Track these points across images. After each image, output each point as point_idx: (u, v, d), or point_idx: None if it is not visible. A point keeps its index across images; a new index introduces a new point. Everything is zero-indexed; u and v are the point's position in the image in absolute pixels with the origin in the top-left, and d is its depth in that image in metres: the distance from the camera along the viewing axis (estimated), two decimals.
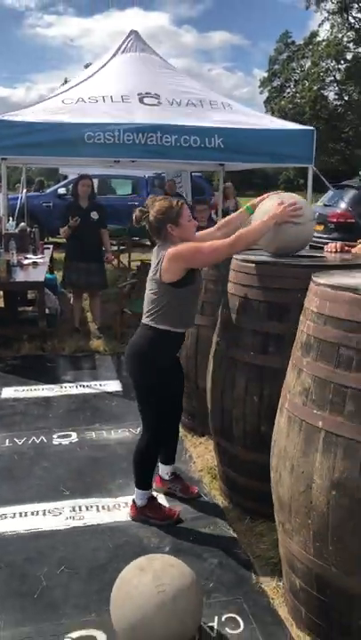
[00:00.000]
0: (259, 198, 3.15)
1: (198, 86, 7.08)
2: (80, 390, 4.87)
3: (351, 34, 38.49)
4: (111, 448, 3.84)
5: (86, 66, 7.86)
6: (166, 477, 3.30)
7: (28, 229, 7.81)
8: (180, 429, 4.03)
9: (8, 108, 6.36)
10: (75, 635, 2.27)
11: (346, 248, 3.51)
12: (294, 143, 6.04)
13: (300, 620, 2.28)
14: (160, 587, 2.12)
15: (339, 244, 3.44)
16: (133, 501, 3.05)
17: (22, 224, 7.99)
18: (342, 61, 38.93)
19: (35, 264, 6.53)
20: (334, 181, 11.78)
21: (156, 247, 2.92)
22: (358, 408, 1.94)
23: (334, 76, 39.54)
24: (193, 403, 3.91)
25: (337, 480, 1.97)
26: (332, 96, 40.34)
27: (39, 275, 6.04)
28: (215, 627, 2.32)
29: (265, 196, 3.14)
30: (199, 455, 3.74)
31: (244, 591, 2.53)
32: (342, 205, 10.20)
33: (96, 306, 6.63)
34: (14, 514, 3.08)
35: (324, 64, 39.28)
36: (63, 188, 13.38)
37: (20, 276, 5.98)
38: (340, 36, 38.60)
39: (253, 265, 2.89)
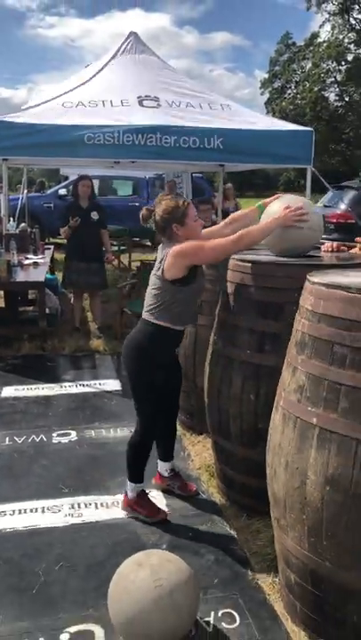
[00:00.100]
0: (270, 198, 3.17)
1: (198, 87, 7.11)
2: (80, 389, 4.90)
3: (352, 35, 38.52)
4: (110, 446, 3.87)
5: (87, 66, 7.87)
6: (165, 474, 3.33)
7: (29, 230, 7.85)
8: (179, 428, 4.07)
9: (10, 109, 6.40)
10: (73, 629, 2.30)
11: (342, 248, 3.54)
12: (293, 144, 6.07)
13: (296, 615, 2.31)
14: (157, 581, 2.15)
15: (335, 243, 3.47)
16: (125, 492, 3.09)
17: (23, 224, 8.03)
18: (343, 62, 38.95)
19: (35, 264, 6.56)
20: (335, 182, 11.81)
21: (160, 245, 2.96)
22: (352, 405, 1.96)
23: (335, 78, 39.57)
24: (191, 401, 3.94)
25: (331, 476, 2.00)
26: (332, 97, 40.41)
27: (39, 275, 6.08)
28: (212, 621, 2.35)
29: (276, 196, 3.17)
30: (197, 453, 3.77)
31: (241, 587, 2.55)
32: (342, 206, 10.23)
33: (96, 306, 6.66)
34: (13, 511, 3.11)
35: (324, 65, 39.30)
36: (64, 189, 13.43)
37: (20, 276, 6.02)
38: (340, 37, 38.62)
39: (250, 264, 2.91)
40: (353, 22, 38.59)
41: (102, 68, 6.94)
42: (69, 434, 4.04)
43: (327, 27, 40.10)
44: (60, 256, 8.35)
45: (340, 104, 40.17)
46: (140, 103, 6.23)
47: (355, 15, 38.29)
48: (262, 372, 2.84)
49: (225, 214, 6.53)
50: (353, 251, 3.89)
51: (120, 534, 2.91)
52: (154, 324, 2.88)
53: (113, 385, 4.98)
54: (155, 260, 2.98)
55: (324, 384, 2.05)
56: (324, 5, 38.44)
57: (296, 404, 2.16)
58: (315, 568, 2.12)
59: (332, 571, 2.06)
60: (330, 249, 3.43)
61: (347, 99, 39.42)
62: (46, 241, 10.15)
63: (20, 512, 3.10)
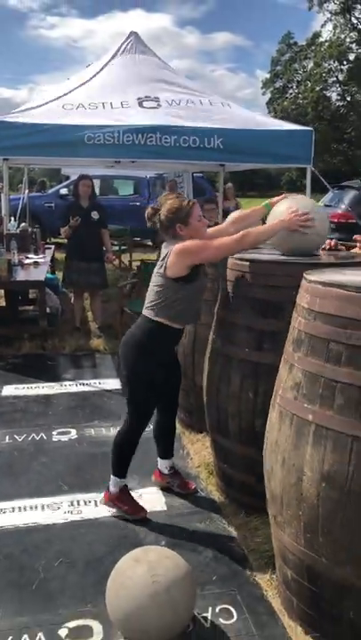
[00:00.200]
0: (277, 197, 3.17)
1: (198, 88, 7.13)
2: (80, 388, 4.92)
3: (354, 34, 38.53)
4: (110, 444, 3.83)
5: (88, 66, 7.89)
6: (165, 472, 3.35)
7: (30, 229, 7.88)
8: (178, 426, 4.09)
9: (11, 109, 6.42)
10: (72, 624, 2.32)
11: (341, 247, 3.56)
12: (293, 144, 6.09)
13: (292, 611, 2.33)
14: (154, 577, 2.17)
15: (333, 241, 3.48)
16: (108, 487, 3.10)
17: (24, 224, 8.05)
18: (345, 62, 38.96)
19: (36, 264, 6.59)
20: (337, 182, 11.83)
21: (164, 242, 2.97)
22: (347, 402, 1.98)
23: (337, 77, 39.57)
24: (190, 400, 3.96)
25: (327, 472, 2.02)
26: (334, 97, 40.41)
27: (40, 274, 6.10)
28: (209, 617, 2.36)
29: (283, 196, 3.18)
30: (196, 452, 3.78)
31: (239, 583, 2.57)
32: (343, 206, 10.25)
33: (97, 305, 6.68)
34: (13, 508, 3.13)
35: (326, 65, 39.31)
36: (65, 189, 13.45)
37: (20, 276, 6.04)
38: (342, 36, 38.64)
39: (249, 263, 2.93)
40: (355, 22, 38.63)
41: (102, 68, 6.96)
42: (69, 432, 4.06)
43: (329, 26, 40.04)
44: (60, 256, 8.37)
45: (341, 104, 40.18)
46: (140, 104, 6.25)
47: (356, 15, 38.35)
48: (261, 371, 2.85)
49: (225, 214, 6.54)
50: (354, 250, 3.91)
51: (119, 531, 2.93)
52: (154, 320, 2.89)
53: (113, 384, 5.00)
54: (156, 260, 3.00)
55: (320, 381, 2.06)
56: (325, 5, 38.49)
57: (293, 401, 2.17)
58: (311, 564, 2.14)
59: (328, 567, 2.08)
60: (327, 247, 3.45)
61: (348, 98, 39.42)
62: (47, 241, 10.18)
63: (19, 509, 3.12)
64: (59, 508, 3.13)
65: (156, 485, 3.35)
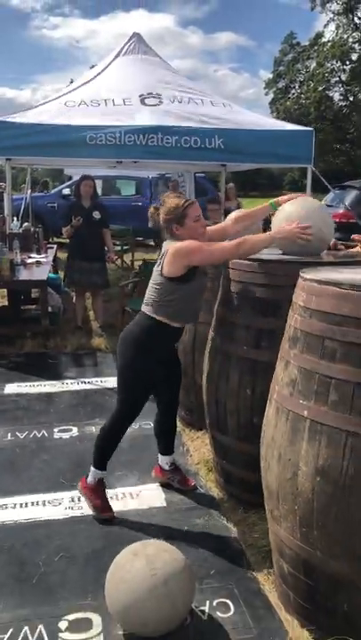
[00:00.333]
0: (287, 196, 3.18)
1: (200, 89, 7.18)
2: (81, 386, 4.96)
3: (356, 34, 38.49)
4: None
5: (92, 67, 7.93)
6: (166, 467, 3.38)
7: (32, 229, 7.93)
8: (179, 424, 4.13)
9: (15, 109, 6.47)
10: (71, 617, 2.36)
11: (340, 246, 3.59)
12: (294, 144, 6.12)
13: (289, 604, 2.36)
14: (153, 571, 2.21)
15: (332, 241, 3.52)
16: (86, 476, 3.14)
17: (26, 224, 8.11)
18: (347, 62, 38.91)
19: (38, 263, 6.63)
20: (339, 182, 11.85)
21: (165, 241, 2.99)
22: (342, 398, 2.02)
23: (339, 77, 39.54)
24: (191, 397, 3.99)
25: (321, 467, 2.05)
26: (337, 97, 40.39)
27: (42, 273, 6.14)
28: (207, 610, 2.40)
29: (293, 195, 3.19)
30: (196, 448, 3.82)
31: (236, 578, 2.61)
32: (345, 205, 10.26)
33: (98, 305, 6.72)
34: (15, 504, 3.17)
35: (329, 65, 39.28)
36: (68, 189, 13.49)
37: (23, 275, 6.09)
38: (345, 36, 38.59)
39: (248, 262, 2.97)
40: (357, 22, 38.57)
41: (105, 69, 7.01)
42: (70, 430, 4.11)
43: (331, 26, 40.04)
44: (62, 255, 8.41)
45: (344, 104, 40.15)
46: (142, 101, 6.28)
47: (359, 15, 38.28)
48: (259, 368, 2.89)
49: (226, 214, 6.57)
50: (354, 250, 3.94)
51: (118, 527, 2.97)
52: (151, 317, 2.92)
53: (114, 382, 4.94)
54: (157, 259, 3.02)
55: (315, 378, 2.10)
56: (328, 5, 38.46)
57: (288, 397, 2.21)
58: (307, 558, 2.17)
59: (323, 560, 2.11)
60: (330, 246, 3.48)
61: (351, 98, 39.39)
62: (50, 240, 10.23)
63: (21, 505, 3.16)
64: (59, 503, 3.17)
65: (156, 481, 3.38)
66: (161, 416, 3.32)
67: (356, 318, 1.98)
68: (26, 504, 3.17)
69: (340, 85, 39.88)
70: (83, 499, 3.18)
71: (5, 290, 6.86)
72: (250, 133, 6.01)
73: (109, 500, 3.14)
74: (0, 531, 2.93)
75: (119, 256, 10.18)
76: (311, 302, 2.15)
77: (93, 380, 5.13)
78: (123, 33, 8.28)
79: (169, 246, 2.86)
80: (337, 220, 10.11)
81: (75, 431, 4.08)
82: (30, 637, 2.26)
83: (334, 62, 39.21)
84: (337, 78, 39.69)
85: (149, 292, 2.95)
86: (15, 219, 8.22)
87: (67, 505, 3.16)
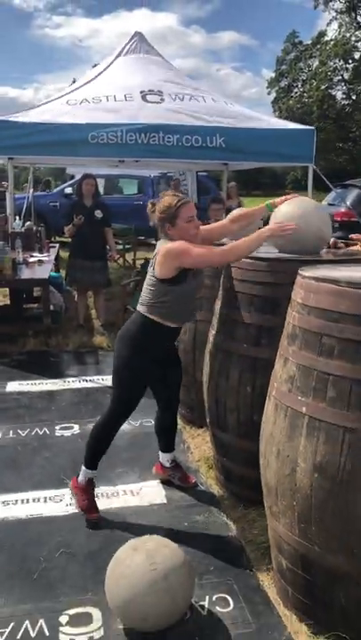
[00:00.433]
0: (282, 198, 3.20)
1: (201, 87, 7.20)
2: (83, 384, 4.99)
3: (359, 33, 38.41)
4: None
5: (94, 66, 7.96)
6: (167, 465, 3.40)
7: (35, 228, 7.95)
8: (179, 421, 4.14)
9: (17, 109, 6.49)
10: (72, 612, 2.38)
11: (340, 245, 3.61)
12: (295, 143, 6.13)
13: (288, 600, 2.38)
14: (152, 565, 2.23)
15: (332, 240, 3.53)
16: (77, 474, 3.12)
17: (28, 223, 8.12)
18: (350, 61, 38.85)
19: (40, 262, 6.65)
20: (342, 181, 11.86)
21: (159, 241, 2.99)
22: (339, 394, 2.03)
23: (342, 76, 39.48)
24: (191, 395, 4.01)
25: (319, 463, 2.07)
26: (339, 95, 40.32)
27: (44, 272, 6.17)
28: (206, 605, 2.42)
29: (289, 196, 3.22)
30: (197, 446, 3.84)
31: (235, 573, 2.63)
32: (347, 204, 10.27)
33: (100, 303, 6.75)
34: (16, 500, 3.19)
35: (331, 63, 39.22)
36: (70, 188, 13.52)
37: (25, 274, 6.11)
38: (348, 35, 38.52)
39: (248, 260, 2.98)
40: (360, 20, 38.49)
41: (107, 68, 7.03)
42: (72, 427, 4.13)
43: (334, 25, 40.03)
44: (65, 254, 8.44)
45: (347, 102, 40.09)
46: (144, 98, 6.28)
47: None
48: (258, 365, 2.90)
49: (227, 213, 6.59)
50: (354, 248, 3.95)
51: (119, 523, 2.99)
52: (146, 317, 2.91)
53: None
54: None
55: (313, 374, 2.11)
56: (331, 4, 38.40)
57: (287, 393, 2.23)
58: (305, 553, 2.19)
59: (320, 555, 2.13)
60: (330, 245, 3.49)
61: (354, 97, 39.34)
62: (52, 239, 10.26)
63: (22, 502, 3.19)
64: (61, 500, 3.19)
65: (157, 478, 3.41)
66: (161, 414, 3.34)
67: (353, 315, 2.00)
68: (27, 500, 3.20)
69: (343, 84, 39.82)
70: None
71: (7, 288, 6.89)
72: (251, 132, 6.02)
73: (112, 495, 3.16)
74: (2, 527, 2.95)
75: (121, 255, 10.20)
76: (309, 299, 2.17)
77: (95, 378, 5.15)
78: (125, 32, 8.28)
79: (161, 247, 2.85)
80: (338, 218, 10.14)
81: (76, 429, 4.11)
82: (31, 631, 2.28)
83: (337, 61, 39.15)
84: (340, 77, 39.64)
85: (144, 292, 2.94)
86: (17, 218, 8.25)
87: (68, 502, 3.18)
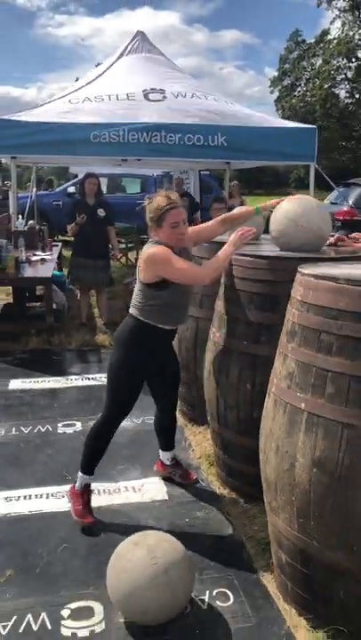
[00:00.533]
0: (273, 201, 3.25)
1: (203, 86, 7.22)
2: (85, 382, 5.02)
3: None
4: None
5: (97, 65, 7.99)
6: (167, 463, 3.42)
7: (37, 227, 7.98)
8: (181, 419, 4.18)
9: (20, 108, 6.52)
10: (73, 606, 2.41)
11: (343, 241, 3.61)
12: (296, 141, 6.14)
13: (287, 594, 2.40)
14: (153, 560, 2.25)
15: (335, 236, 3.54)
16: (75, 481, 3.08)
17: (31, 222, 8.16)
18: (353, 59, 38.86)
19: (43, 261, 6.68)
20: (345, 180, 11.86)
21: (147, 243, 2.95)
22: (338, 390, 2.05)
23: (345, 74, 39.48)
24: (193, 393, 4.03)
25: (318, 458, 2.09)
26: (343, 94, 40.33)
27: (47, 271, 6.20)
28: (206, 600, 2.45)
29: (279, 200, 3.27)
30: (198, 443, 3.86)
31: (236, 568, 2.65)
32: (349, 203, 10.28)
33: (102, 302, 6.77)
34: (19, 497, 3.22)
35: (335, 62, 39.22)
36: (73, 187, 13.55)
37: (28, 272, 6.15)
38: (351, 33, 38.52)
39: (247, 258, 3.01)
40: None
41: (109, 67, 7.05)
42: (74, 424, 4.16)
43: (337, 23, 40.06)
44: (67, 253, 8.47)
45: (350, 101, 40.08)
46: (146, 96, 6.30)
47: None
48: (258, 363, 2.93)
49: (229, 211, 6.61)
50: (358, 245, 3.94)
51: (120, 519, 3.02)
52: (138, 319, 2.88)
53: None
54: None
55: (312, 371, 2.14)
56: (334, 2, 38.39)
57: (286, 390, 2.25)
58: (304, 548, 2.22)
59: (319, 550, 2.15)
60: (331, 242, 3.50)
61: (357, 96, 39.33)
62: (55, 238, 10.29)
63: (25, 498, 3.21)
64: (63, 496, 3.21)
65: (159, 475, 3.43)
66: (160, 413, 3.34)
67: (351, 312, 2.02)
68: (30, 497, 3.22)
69: (346, 83, 39.81)
70: None
71: (10, 287, 6.92)
72: (253, 131, 6.04)
73: (114, 491, 3.18)
74: (4, 523, 2.98)
75: (123, 254, 10.22)
76: (308, 297, 2.19)
77: (97, 375, 5.17)
78: (128, 31, 8.32)
79: (144, 251, 2.81)
80: (341, 217, 10.15)
81: (78, 426, 4.13)
82: (33, 625, 2.31)
83: (340, 59, 39.15)
84: (343, 76, 39.63)
85: (134, 295, 2.91)
86: (20, 216, 8.29)
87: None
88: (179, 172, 11.19)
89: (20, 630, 2.28)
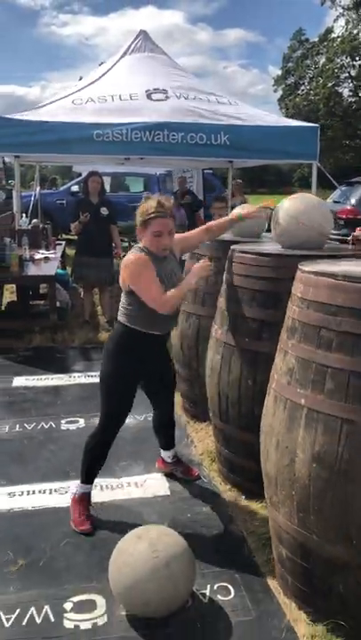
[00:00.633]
0: (256, 208, 3.35)
1: (206, 86, 7.24)
2: (88, 380, 5.04)
3: None
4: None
5: (101, 64, 8.01)
6: (169, 460, 3.44)
7: (41, 226, 8.02)
8: (183, 416, 4.21)
9: (24, 107, 6.55)
10: (76, 599, 2.44)
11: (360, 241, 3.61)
12: (299, 140, 6.15)
13: (287, 588, 2.43)
14: (155, 553, 2.28)
15: (352, 235, 3.54)
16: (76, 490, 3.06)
17: (35, 220, 8.20)
18: (357, 58, 38.73)
19: (46, 259, 6.72)
20: (348, 179, 11.86)
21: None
22: (337, 386, 2.08)
23: (349, 73, 39.36)
24: (195, 390, 4.06)
25: (317, 453, 2.11)
26: (346, 93, 40.22)
27: (50, 269, 6.24)
28: (207, 594, 2.47)
29: (261, 207, 3.37)
30: (200, 440, 3.89)
31: (237, 563, 2.67)
32: (351, 202, 10.29)
33: (105, 300, 6.81)
34: (22, 492, 3.25)
35: (338, 60, 39.12)
36: (76, 186, 13.57)
37: (31, 271, 6.19)
38: (355, 32, 38.39)
39: (249, 256, 3.03)
40: None
41: (112, 67, 7.07)
42: (77, 421, 4.19)
43: (341, 21, 39.97)
44: (71, 252, 8.50)
45: (354, 99, 39.97)
46: (149, 96, 6.32)
47: None
48: (260, 359, 2.95)
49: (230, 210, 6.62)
50: None
51: (123, 514, 3.04)
52: (125, 326, 2.87)
53: None
54: None
55: (311, 367, 2.16)
56: (338, 0, 38.29)
57: (286, 386, 2.27)
58: (303, 542, 2.24)
59: (319, 544, 2.18)
60: (349, 241, 3.51)
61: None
62: (59, 237, 10.33)
63: (28, 493, 3.25)
64: (66, 492, 3.24)
65: (161, 471, 3.45)
66: (158, 414, 3.35)
67: (350, 308, 2.04)
68: (33, 492, 3.26)
69: (350, 81, 39.70)
70: None
71: (14, 285, 6.96)
72: (255, 129, 6.06)
73: (116, 487, 3.22)
74: (8, 518, 3.01)
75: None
76: (308, 293, 2.21)
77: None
78: (132, 30, 8.32)
79: (126, 256, 2.81)
80: (344, 216, 10.17)
81: (81, 423, 4.16)
82: (37, 617, 2.34)
83: (344, 58, 39.04)
84: (347, 74, 39.51)
85: (121, 302, 2.91)
86: (24, 215, 8.33)
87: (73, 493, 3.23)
88: (182, 170, 11.21)
89: (24, 622, 2.31)
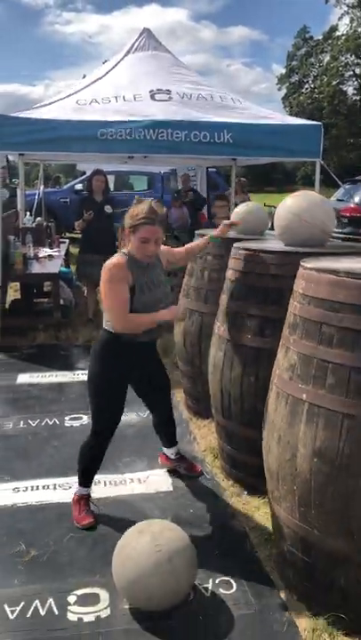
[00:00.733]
0: (219, 231, 3.39)
1: (210, 83, 7.24)
2: None
3: None
4: (119, 429, 3.96)
5: (105, 62, 8.02)
6: (172, 457, 3.46)
7: (45, 224, 8.05)
8: (186, 412, 4.24)
9: (28, 105, 6.57)
10: (79, 592, 2.46)
11: None
12: (302, 138, 6.14)
13: (289, 582, 2.45)
14: (157, 547, 2.30)
15: None
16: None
17: (39, 218, 8.23)
18: None
19: (50, 257, 6.75)
20: (352, 177, 11.85)
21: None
22: (338, 381, 2.09)
23: (353, 71, 39.33)
24: (198, 387, 4.08)
25: (318, 448, 2.13)
26: (351, 91, 40.18)
27: (54, 267, 6.27)
28: (210, 587, 2.49)
29: (229, 225, 3.45)
30: (203, 436, 3.91)
31: (239, 558, 2.70)
32: (355, 200, 10.29)
33: None
34: (26, 487, 3.28)
35: (343, 59, 39.08)
36: (80, 184, 13.60)
37: (35, 268, 6.22)
38: (359, 30, 38.33)
39: (252, 253, 3.05)
40: None
41: (115, 66, 7.08)
42: (81, 418, 4.21)
43: (346, 19, 39.86)
44: (75, 250, 8.54)
45: (358, 98, 39.91)
46: (152, 97, 6.33)
47: None
48: (262, 356, 2.97)
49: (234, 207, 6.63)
50: None
51: (126, 509, 3.07)
52: (110, 332, 2.84)
53: None
54: None
55: (313, 362, 2.18)
56: None
57: (288, 381, 2.29)
58: (305, 536, 2.26)
59: (320, 538, 2.20)
60: None
61: None
62: (62, 235, 10.36)
63: (32, 489, 3.27)
64: (70, 487, 3.26)
65: (164, 467, 3.48)
66: (157, 414, 3.36)
67: (351, 304, 2.06)
68: (37, 487, 3.28)
69: (355, 79, 39.66)
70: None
71: (18, 283, 6.99)
72: (258, 128, 6.05)
73: (120, 482, 3.25)
74: (13, 512, 3.04)
75: None
76: (310, 290, 2.23)
77: None
78: (136, 27, 8.32)
79: (109, 259, 2.80)
80: (348, 214, 10.16)
81: (85, 419, 4.19)
82: (41, 610, 2.36)
83: (348, 56, 39.01)
84: (351, 72, 39.49)
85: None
86: (28, 213, 8.36)
87: (76, 489, 3.25)
88: (186, 168, 11.22)
89: (28, 615, 2.34)
